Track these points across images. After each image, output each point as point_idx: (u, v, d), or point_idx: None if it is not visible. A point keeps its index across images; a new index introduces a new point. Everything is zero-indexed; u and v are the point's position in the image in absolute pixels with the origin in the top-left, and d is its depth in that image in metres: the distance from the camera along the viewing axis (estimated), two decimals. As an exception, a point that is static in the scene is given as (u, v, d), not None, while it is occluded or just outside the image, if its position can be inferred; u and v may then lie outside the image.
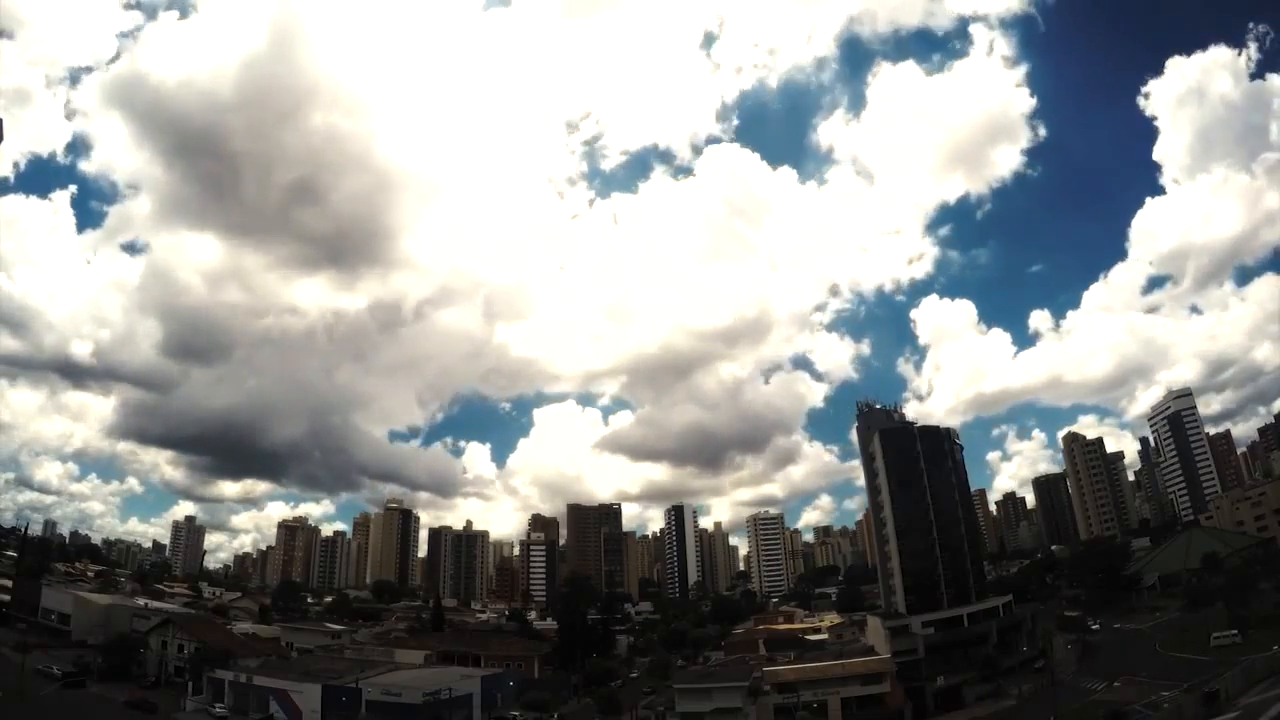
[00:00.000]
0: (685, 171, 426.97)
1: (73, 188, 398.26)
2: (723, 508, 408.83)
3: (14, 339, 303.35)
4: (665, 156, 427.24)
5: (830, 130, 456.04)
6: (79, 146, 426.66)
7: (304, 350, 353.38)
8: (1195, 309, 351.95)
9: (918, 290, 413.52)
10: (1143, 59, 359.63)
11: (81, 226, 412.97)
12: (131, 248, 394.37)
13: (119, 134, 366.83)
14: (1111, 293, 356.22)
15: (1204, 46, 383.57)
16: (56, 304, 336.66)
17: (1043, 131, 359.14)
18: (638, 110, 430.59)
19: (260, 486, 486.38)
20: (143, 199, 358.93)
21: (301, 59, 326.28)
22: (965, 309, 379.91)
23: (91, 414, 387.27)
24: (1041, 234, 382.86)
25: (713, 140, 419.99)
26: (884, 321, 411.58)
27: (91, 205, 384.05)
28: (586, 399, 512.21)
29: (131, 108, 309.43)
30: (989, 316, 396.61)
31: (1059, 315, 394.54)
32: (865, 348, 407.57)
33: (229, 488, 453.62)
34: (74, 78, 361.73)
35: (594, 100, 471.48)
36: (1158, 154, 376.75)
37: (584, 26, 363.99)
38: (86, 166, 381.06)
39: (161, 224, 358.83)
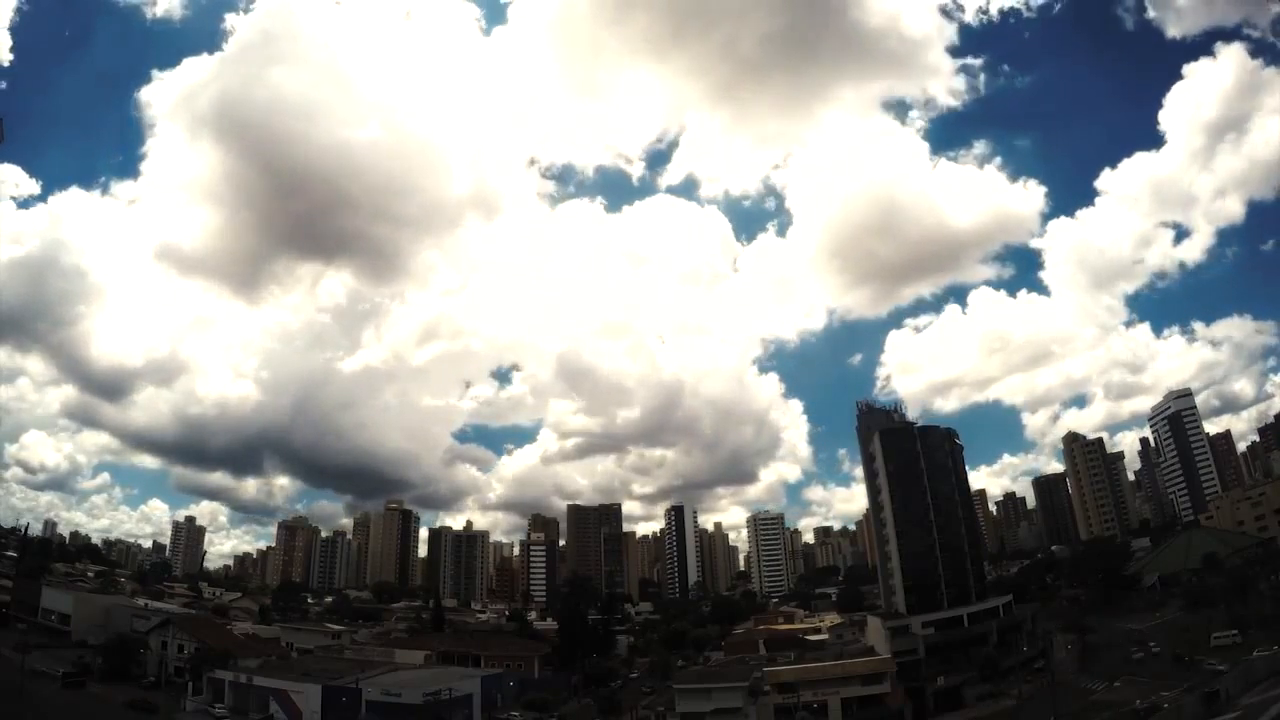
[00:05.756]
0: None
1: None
2: (723, 507, 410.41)
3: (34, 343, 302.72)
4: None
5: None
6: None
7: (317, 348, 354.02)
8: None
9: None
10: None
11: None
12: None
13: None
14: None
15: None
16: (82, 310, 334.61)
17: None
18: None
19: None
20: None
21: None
22: (983, 294, 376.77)
23: (96, 416, 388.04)
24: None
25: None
26: (883, 319, 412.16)
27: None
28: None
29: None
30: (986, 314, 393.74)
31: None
32: (863, 345, 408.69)
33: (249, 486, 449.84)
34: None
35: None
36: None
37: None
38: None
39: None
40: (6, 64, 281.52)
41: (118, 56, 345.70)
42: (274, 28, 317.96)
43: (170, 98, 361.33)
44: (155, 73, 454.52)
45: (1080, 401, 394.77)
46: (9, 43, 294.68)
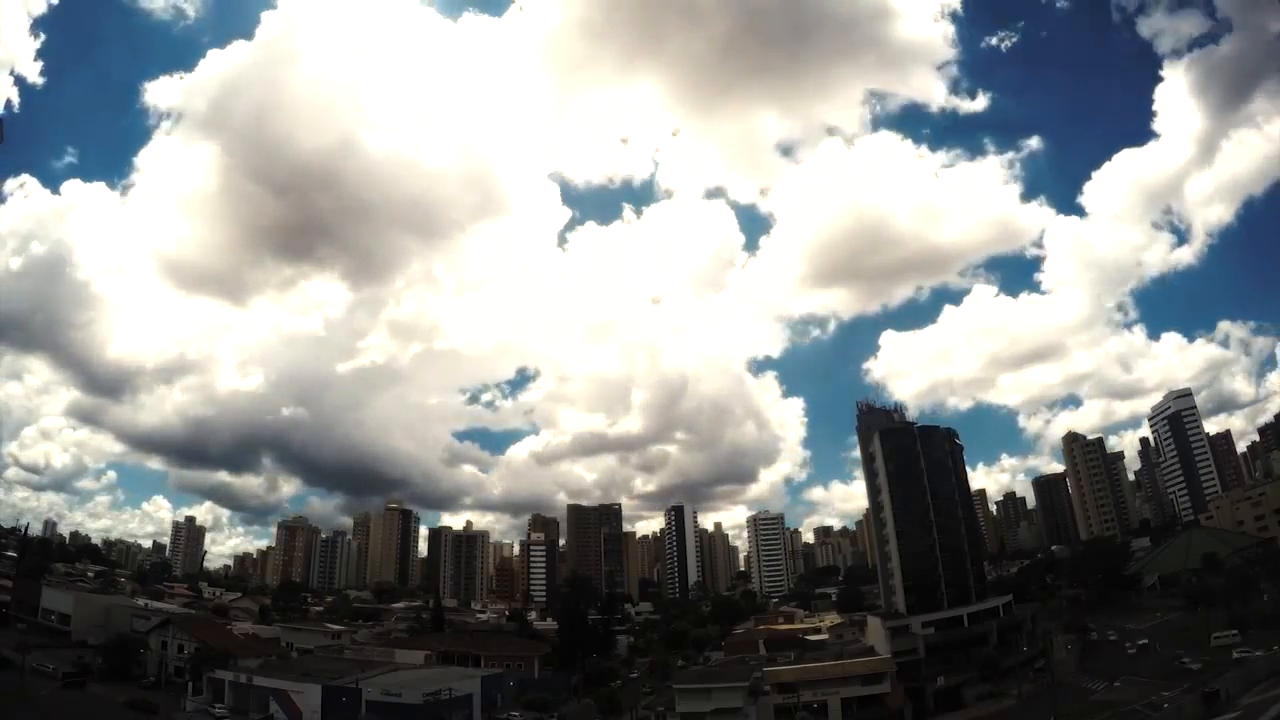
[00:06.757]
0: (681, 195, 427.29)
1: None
2: (723, 507, 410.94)
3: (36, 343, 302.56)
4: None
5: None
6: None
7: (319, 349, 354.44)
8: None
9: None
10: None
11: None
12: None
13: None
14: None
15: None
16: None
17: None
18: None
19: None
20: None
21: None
22: (980, 294, 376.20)
23: (97, 417, 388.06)
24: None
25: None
26: (883, 319, 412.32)
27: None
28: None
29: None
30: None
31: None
32: (863, 345, 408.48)
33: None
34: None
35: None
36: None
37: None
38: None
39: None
40: (38, 83, 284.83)
41: (124, 58, 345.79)
42: (283, 30, 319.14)
43: (174, 100, 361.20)
44: (160, 75, 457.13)
45: (1080, 401, 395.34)
46: (39, 66, 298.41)
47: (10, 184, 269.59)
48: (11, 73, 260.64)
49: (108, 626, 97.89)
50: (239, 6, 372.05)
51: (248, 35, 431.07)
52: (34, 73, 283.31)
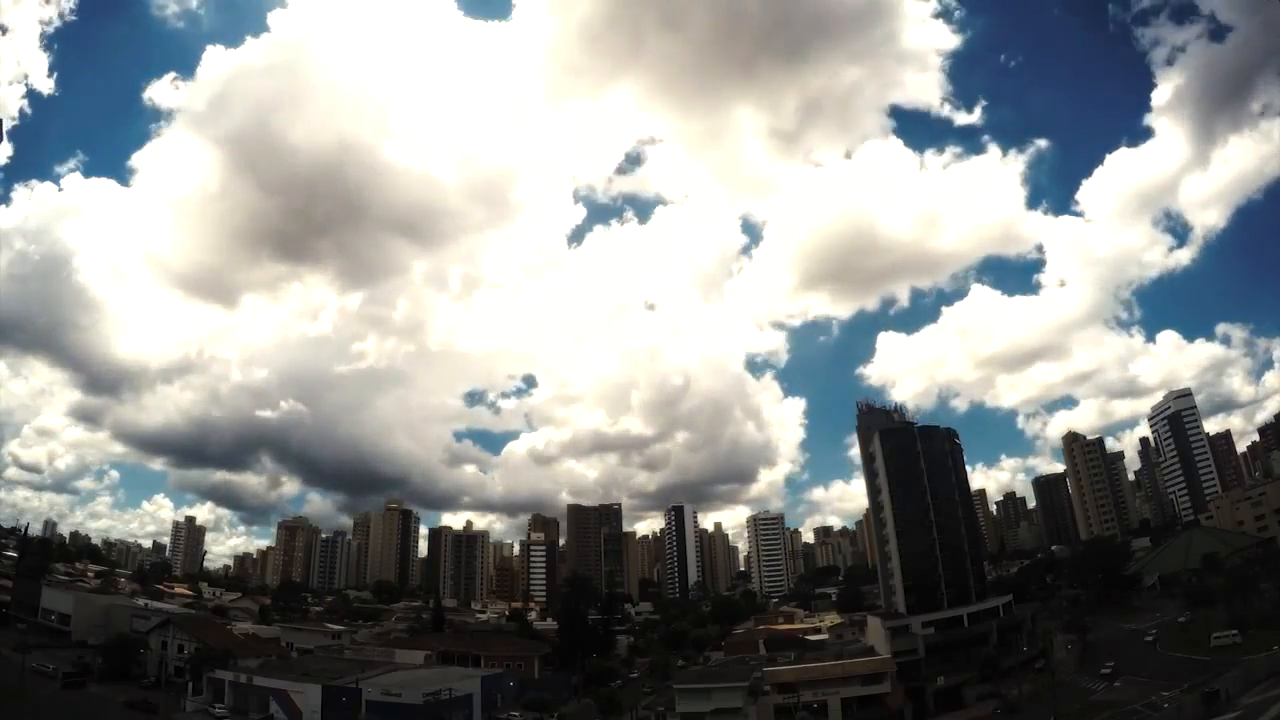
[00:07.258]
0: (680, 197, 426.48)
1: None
2: (723, 507, 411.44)
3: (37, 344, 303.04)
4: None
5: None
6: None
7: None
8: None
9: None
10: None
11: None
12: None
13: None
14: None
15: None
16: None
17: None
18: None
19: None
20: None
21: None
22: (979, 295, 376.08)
23: (97, 417, 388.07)
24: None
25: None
26: (883, 320, 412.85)
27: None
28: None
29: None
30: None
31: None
32: (864, 346, 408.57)
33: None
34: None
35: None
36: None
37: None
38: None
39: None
40: (49, 89, 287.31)
41: (133, 64, 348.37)
42: (291, 30, 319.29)
43: (178, 102, 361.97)
44: (165, 75, 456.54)
45: (1079, 401, 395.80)
46: (50, 73, 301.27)
47: (18, 188, 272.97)
48: (24, 82, 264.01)
49: (108, 626, 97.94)
50: (247, 6, 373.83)
51: (255, 34, 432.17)
52: (44, 79, 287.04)
